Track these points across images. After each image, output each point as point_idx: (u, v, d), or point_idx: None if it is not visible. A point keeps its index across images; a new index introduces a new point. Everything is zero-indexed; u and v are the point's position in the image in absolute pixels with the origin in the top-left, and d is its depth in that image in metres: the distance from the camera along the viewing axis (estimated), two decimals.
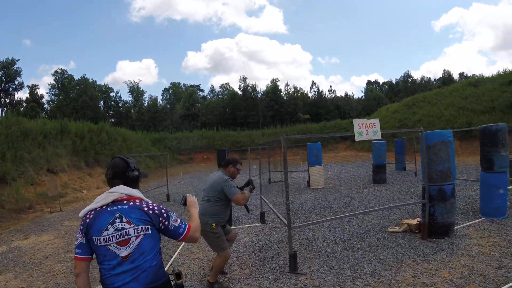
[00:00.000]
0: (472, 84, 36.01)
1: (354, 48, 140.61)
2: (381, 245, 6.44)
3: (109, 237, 2.26)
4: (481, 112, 27.81)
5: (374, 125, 6.09)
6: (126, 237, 2.26)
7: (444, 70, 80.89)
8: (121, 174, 2.48)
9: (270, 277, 5.33)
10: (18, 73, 61.29)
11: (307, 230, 7.89)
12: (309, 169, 15.40)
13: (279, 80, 76.51)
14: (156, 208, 2.41)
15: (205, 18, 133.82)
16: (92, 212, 2.35)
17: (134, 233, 2.28)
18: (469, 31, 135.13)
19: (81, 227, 2.35)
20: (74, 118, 39.72)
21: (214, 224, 4.78)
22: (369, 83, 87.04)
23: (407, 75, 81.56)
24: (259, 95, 74.60)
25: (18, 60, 61.24)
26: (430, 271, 5.07)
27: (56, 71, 66.81)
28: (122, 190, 2.40)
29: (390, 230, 7.32)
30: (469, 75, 73.16)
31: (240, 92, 74.20)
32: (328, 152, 38.68)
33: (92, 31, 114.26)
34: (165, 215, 2.42)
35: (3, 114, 53.49)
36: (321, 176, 15.10)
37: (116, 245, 2.26)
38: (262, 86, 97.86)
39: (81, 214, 2.42)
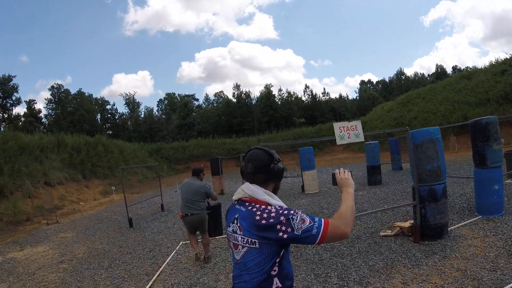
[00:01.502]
0: (465, 76, 35.71)
1: (346, 49, 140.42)
2: (371, 250, 6.19)
3: (229, 234, 2.14)
4: (476, 104, 27.42)
5: (356, 128, 5.86)
6: (235, 242, 2.05)
7: (437, 65, 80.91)
8: (265, 168, 2.12)
9: None
10: (15, 88, 60.94)
11: None
12: (302, 174, 15.16)
13: (272, 86, 76.43)
14: (272, 216, 1.90)
15: (197, 29, 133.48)
16: (231, 204, 2.24)
17: (241, 242, 2.01)
18: (459, 23, 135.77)
19: None
20: (71, 131, 39.73)
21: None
22: (362, 83, 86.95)
23: (400, 73, 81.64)
24: (254, 102, 74.60)
25: (14, 76, 60.88)
26: (420, 276, 4.82)
27: (52, 86, 66.69)
28: (246, 189, 2.09)
29: (382, 234, 7.07)
30: (462, 67, 72.92)
31: (234, 100, 74.14)
32: (325, 155, 38.60)
33: (87, 46, 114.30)
34: (284, 220, 1.87)
35: (1, 129, 53.83)
36: (315, 181, 14.85)
37: (232, 245, 2.11)
38: (256, 93, 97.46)
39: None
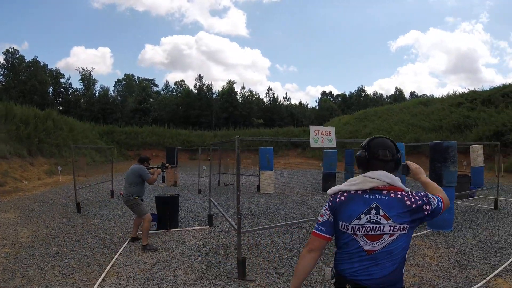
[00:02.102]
0: (423, 103, 37.89)
1: (312, 59, 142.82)
2: (330, 252, 6.29)
3: (358, 227, 2.05)
4: (429, 129, 29.23)
5: (329, 133, 5.97)
6: (378, 232, 2.02)
7: (396, 88, 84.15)
8: (395, 157, 2.18)
9: (217, 283, 5.05)
10: None
11: (256, 235, 7.68)
12: (260, 173, 15.27)
13: (235, 83, 76.05)
14: (418, 199, 2.06)
15: (168, 13, 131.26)
16: (345, 194, 2.15)
17: (390, 230, 2.01)
18: (423, 53, 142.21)
19: (330, 204, 2.19)
20: (20, 101, 37.42)
21: (137, 197, 6.94)
22: (323, 93, 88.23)
23: (361, 90, 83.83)
24: (214, 96, 73.48)
25: None
26: None
27: (7, 50, 62.76)
28: (384, 177, 2.09)
29: None
30: (419, 94, 76.56)
31: (195, 91, 72.63)
32: (279, 158, 38.87)
33: (50, 12, 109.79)
34: (426, 200, 2.08)
35: None
36: (272, 181, 15.01)
37: (364, 237, 2.04)
38: (218, 87, 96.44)
39: (330, 191, 2.27)
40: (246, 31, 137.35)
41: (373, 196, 2.07)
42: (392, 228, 2.00)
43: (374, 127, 35.75)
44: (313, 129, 5.86)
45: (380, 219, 2.00)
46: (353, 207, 2.08)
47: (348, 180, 2.22)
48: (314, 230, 2.23)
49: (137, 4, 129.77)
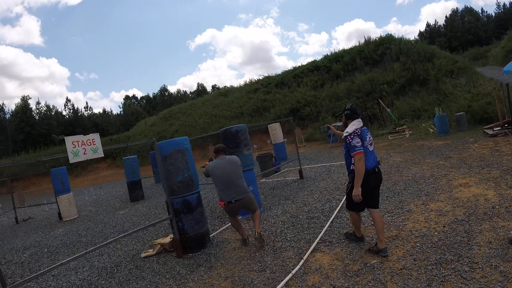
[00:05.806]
0: (222, 94, 40.15)
1: (113, 64, 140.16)
2: (133, 278, 5.49)
3: (368, 141, 4.47)
4: (232, 117, 30.83)
5: (93, 142, 5.10)
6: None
7: (198, 83, 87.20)
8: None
9: None
10: None
11: (51, 278, 6.26)
12: (57, 199, 13.26)
13: (30, 98, 66.84)
14: None
15: None
16: (359, 129, 4.40)
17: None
18: (221, 49, 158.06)
19: (358, 135, 4.35)
20: None
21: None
22: (127, 98, 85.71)
23: (164, 89, 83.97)
24: (8, 116, 63.83)
25: None
26: None
27: None
28: None
29: (143, 255, 6.44)
30: (221, 86, 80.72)
31: None
32: (89, 174, 36.00)
33: None
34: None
35: None
36: (72, 205, 13.15)
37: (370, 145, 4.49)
38: (13, 106, 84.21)
39: (350, 130, 4.39)
40: (41, 40, 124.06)
41: (365, 128, 4.48)
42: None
43: (180, 123, 36.00)
44: (70, 140, 4.84)
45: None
46: (365, 133, 4.41)
47: (358, 122, 4.46)
48: (360, 150, 4.24)
49: None
